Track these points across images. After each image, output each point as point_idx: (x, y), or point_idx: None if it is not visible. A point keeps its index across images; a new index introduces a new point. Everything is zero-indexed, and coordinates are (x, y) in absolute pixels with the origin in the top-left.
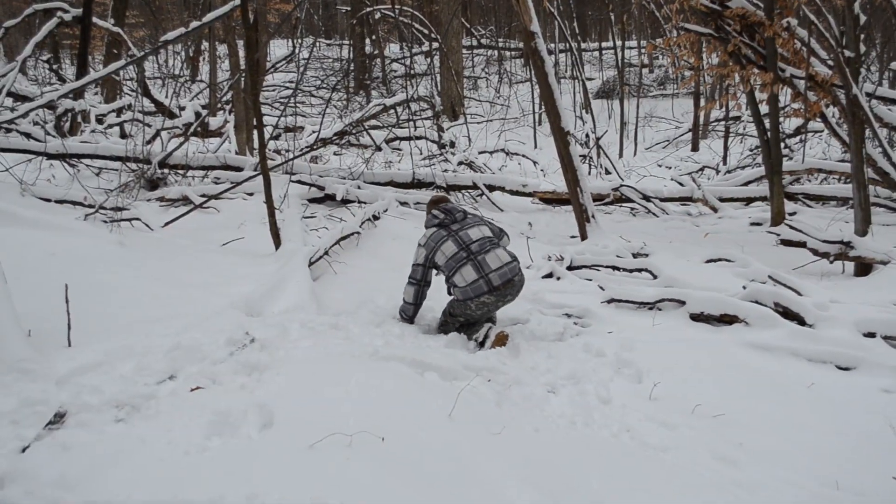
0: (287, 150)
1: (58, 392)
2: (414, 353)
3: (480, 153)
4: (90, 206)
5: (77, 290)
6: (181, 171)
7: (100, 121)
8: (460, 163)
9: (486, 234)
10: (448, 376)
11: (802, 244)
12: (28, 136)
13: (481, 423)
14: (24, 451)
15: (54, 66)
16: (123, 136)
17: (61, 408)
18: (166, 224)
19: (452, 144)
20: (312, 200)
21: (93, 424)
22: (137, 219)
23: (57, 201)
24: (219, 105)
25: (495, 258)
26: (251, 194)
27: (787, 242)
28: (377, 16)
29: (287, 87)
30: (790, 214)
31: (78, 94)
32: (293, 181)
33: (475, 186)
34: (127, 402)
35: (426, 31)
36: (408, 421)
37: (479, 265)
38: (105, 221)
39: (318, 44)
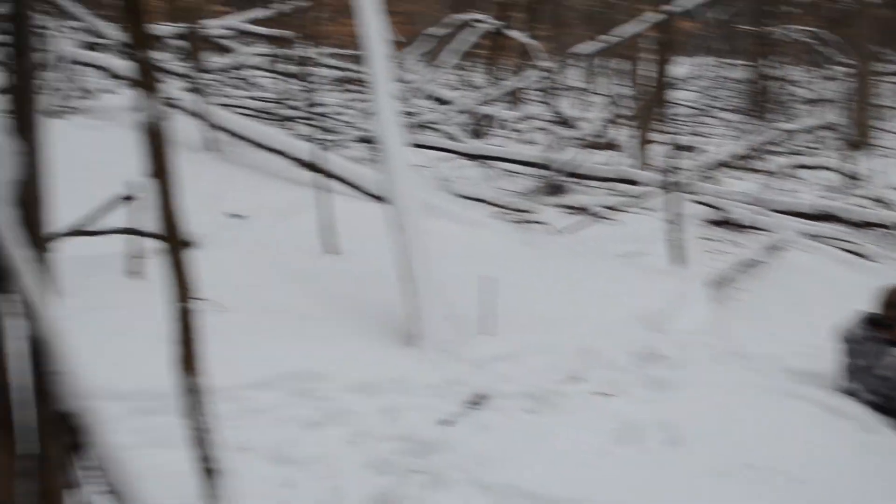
0: (685, 169)
1: (474, 375)
2: (830, 398)
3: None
4: (501, 207)
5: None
6: (581, 180)
7: (504, 126)
8: (870, 198)
9: None
10: (870, 429)
11: None
12: (450, 137)
13: None
14: (447, 424)
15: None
16: (526, 142)
17: (482, 391)
18: (567, 229)
19: (861, 177)
20: (710, 222)
21: (506, 410)
22: (541, 222)
23: (470, 198)
24: (620, 119)
25: None
26: (648, 209)
27: None
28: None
29: (687, 106)
30: None
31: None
32: (690, 200)
33: None
34: (536, 394)
35: (838, 53)
36: (817, 462)
37: None
38: (513, 222)
39: (718, 64)
